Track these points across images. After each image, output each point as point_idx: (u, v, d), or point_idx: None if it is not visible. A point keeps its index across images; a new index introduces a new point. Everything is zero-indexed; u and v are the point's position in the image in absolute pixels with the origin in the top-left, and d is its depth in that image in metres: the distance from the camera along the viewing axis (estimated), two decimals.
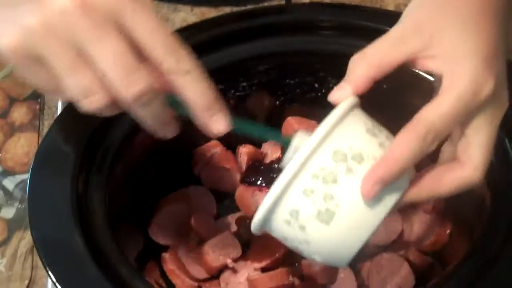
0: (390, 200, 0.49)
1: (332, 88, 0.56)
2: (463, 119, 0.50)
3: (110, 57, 0.44)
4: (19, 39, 0.44)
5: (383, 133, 0.52)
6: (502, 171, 0.67)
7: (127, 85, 0.45)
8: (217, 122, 0.50)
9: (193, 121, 0.51)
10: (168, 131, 0.52)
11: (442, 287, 0.61)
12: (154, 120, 0.49)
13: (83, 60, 0.44)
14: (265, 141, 0.83)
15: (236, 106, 0.83)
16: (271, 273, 0.71)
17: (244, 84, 0.82)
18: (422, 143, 0.48)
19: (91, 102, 0.46)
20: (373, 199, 0.47)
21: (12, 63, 0.46)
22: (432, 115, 0.49)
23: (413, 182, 0.51)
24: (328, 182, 0.47)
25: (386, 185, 0.47)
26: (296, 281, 0.73)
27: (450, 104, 0.49)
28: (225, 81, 0.81)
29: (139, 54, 0.46)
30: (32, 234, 0.65)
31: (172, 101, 0.50)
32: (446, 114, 0.49)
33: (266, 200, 0.49)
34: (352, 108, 0.51)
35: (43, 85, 0.48)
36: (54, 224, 0.66)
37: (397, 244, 0.78)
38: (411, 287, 0.73)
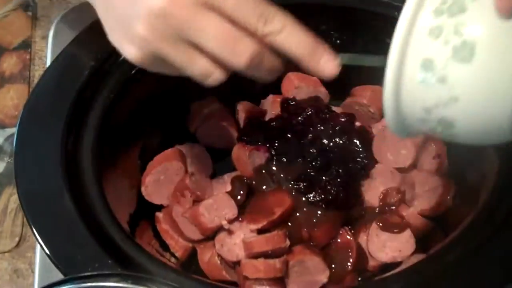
0: None
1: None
2: None
3: (213, 37, 0.48)
4: (139, 52, 0.50)
5: None
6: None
7: (237, 56, 0.48)
8: (326, 65, 0.51)
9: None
10: (277, 74, 0.54)
11: (445, 255, 0.59)
12: (271, 73, 0.52)
13: (194, 48, 0.49)
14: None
15: None
16: (267, 235, 0.69)
17: None
18: None
19: (214, 80, 0.51)
20: None
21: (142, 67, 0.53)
22: None
23: None
24: (455, 13, 0.40)
25: None
26: (293, 244, 0.71)
27: None
28: None
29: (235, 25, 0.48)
30: (17, 191, 0.62)
31: None
32: None
33: (391, 61, 0.42)
34: None
35: (172, 74, 0.54)
36: (41, 181, 0.63)
37: (397, 206, 0.75)
38: (411, 251, 0.71)
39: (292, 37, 0.49)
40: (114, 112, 0.69)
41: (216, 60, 0.50)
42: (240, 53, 0.48)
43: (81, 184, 0.63)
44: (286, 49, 0.50)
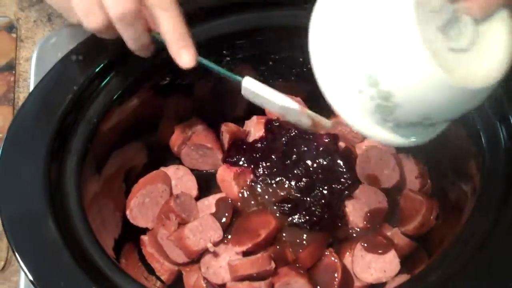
0: None
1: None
2: None
3: None
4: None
5: None
6: (492, 155, 0.64)
7: (116, 4, 0.56)
8: (184, 55, 0.60)
9: None
10: (145, 53, 0.64)
11: (429, 275, 0.59)
12: (135, 41, 0.61)
13: None
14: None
15: (220, 81, 0.80)
16: (252, 258, 0.69)
17: (228, 58, 0.79)
18: None
19: (91, 21, 0.58)
20: None
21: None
22: None
23: None
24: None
25: None
26: (279, 266, 0.71)
27: None
28: (209, 55, 0.78)
29: None
30: (0, 216, 0.62)
31: (155, 35, 0.61)
32: None
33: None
34: None
35: (59, 6, 0.65)
36: (24, 205, 0.62)
37: (381, 226, 0.76)
38: (395, 272, 0.71)
39: (171, 18, 0.58)
40: (98, 136, 0.68)
41: (99, 4, 0.56)
42: (120, 3, 0.56)
43: (64, 209, 0.63)
44: (161, 25, 0.58)
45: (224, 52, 0.79)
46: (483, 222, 0.61)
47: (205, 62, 0.62)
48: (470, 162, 0.67)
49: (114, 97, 0.70)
